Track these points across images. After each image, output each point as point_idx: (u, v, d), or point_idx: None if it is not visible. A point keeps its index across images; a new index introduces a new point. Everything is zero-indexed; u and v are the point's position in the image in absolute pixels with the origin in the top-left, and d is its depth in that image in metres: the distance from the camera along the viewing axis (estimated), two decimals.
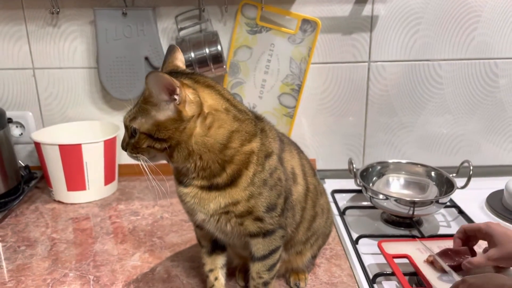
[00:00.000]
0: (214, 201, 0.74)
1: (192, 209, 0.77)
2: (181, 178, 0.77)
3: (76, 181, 1.29)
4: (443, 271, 0.92)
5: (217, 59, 1.29)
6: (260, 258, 0.80)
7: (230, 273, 0.95)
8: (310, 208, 0.88)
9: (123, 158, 1.47)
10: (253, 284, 0.82)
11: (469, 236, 0.94)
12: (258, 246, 0.79)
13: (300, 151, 0.91)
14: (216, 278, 0.86)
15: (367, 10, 1.34)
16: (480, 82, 1.41)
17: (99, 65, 1.34)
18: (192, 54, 1.28)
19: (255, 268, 0.81)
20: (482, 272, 0.87)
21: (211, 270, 0.87)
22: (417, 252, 1.00)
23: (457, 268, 0.90)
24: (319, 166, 1.49)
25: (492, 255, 0.86)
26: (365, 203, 1.28)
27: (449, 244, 1.00)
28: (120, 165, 1.45)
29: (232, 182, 0.73)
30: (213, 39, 1.28)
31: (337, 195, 1.35)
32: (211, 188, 0.74)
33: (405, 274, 0.92)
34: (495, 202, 1.27)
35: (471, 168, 1.20)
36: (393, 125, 1.45)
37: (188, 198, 0.76)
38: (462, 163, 1.25)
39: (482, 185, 1.35)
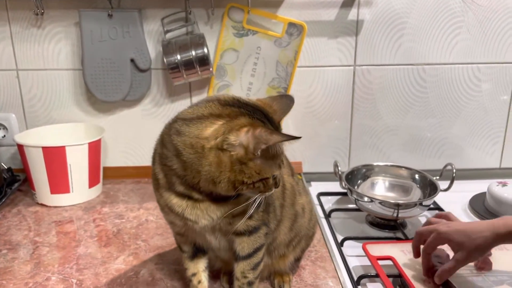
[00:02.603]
0: (223, 208, 0.74)
1: (193, 218, 0.75)
2: (184, 191, 0.74)
3: (59, 183, 1.27)
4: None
5: (204, 61, 1.29)
6: (245, 257, 0.80)
7: (215, 276, 0.95)
8: (289, 206, 0.88)
9: (108, 160, 1.47)
10: (237, 284, 0.82)
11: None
12: (243, 245, 0.80)
13: None
14: (199, 282, 0.86)
15: (352, 14, 1.35)
16: (463, 87, 1.43)
17: (84, 67, 1.33)
18: (178, 57, 1.28)
19: (240, 267, 0.81)
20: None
21: (193, 274, 0.86)
22: (401, 254, 1.01)
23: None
24: (305, 169, 1.50)
25: (460, 257, 0.86)
26: (350, 206, 1.29)
27: None
28: (105, 168, 1.44)
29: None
30: (200, 41, 1.28)
31: (322, 198, 1.35)
32: (223, 199, 0.74)
33: (389, 276, 0.93)
34: (478, 205, 1.29)
35: (454, 171, 1.22)
36: (378, 129, 1.47)
37: (194, 210, 0.74)
38: (445, 166, 1.27)
39: (465, 188, 1.36)
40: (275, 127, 0.74)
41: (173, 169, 0.72)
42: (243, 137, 0.67)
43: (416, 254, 0.96)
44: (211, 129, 0.69)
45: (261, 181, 0.70)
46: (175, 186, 0.74)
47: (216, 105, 0.72)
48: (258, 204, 0.74)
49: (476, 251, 0.85)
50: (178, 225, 0.80)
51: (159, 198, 0.78)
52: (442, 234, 0.88)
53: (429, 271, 0.93)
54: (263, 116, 0.72)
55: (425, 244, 0.92)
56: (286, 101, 0.79)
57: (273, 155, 0.70)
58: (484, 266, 0.95)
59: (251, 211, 0.74)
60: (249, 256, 0.80)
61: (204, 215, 0.74)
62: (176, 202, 0.74)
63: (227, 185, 0.69)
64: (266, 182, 0.71)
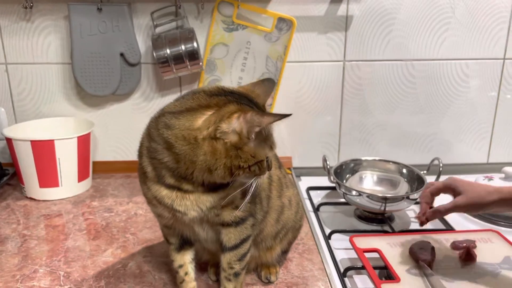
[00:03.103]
0: (212, 199, 0.75)
1: (182, 209, 0.75)
2: (174, 183, 0.74)
3: (48, 177, 1.27)
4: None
5: (193, 56, 1.29)
6: (231, 247, 0.81)
7: (202, 268, 0.96)
8: (275, 198, 0.89)
9: (98, 155, 1.47)
10: (224, 275, 0.83)
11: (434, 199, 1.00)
12: (230, 236, 0.80)
13: None
14: (186, 273, 0.86)
15: (342, 10, 1.36)
16: (452, 82, 1.44)
17: (73, 61, 1.33)
18: (168, 51, 1.28)
19: (226, 258, 0.82)
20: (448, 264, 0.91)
21: (180, 266, 0.87)
22: (388, 246, 1.02)
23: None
24: (295, 164, 1.51)
25: (459, 201, 0.89)
26: (339, 200, 1.30)
27: (418, 238, 1.03)
28: (94, 162, 1.44)
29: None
30: (189, 36, 1.28)
31: (312, 192, 1.36)
32: (215, 189, 0.75)
33: (375, 268, 0.94)
34: None
35: (441, 165, 1.23)
36: (368, 124, 1.48)
37: (184, 201, 0.75)
38: (433, 160, 1.28)
39: None
40: (261, 110, 0.75)
41: (164, 162, 0.73)
42: (235, 123, 0.68)
43: (422, 213, 0.98)
44: (201, 120, 0.70)
45: (257, 164, 0.72)
46: (165, 179, 0.74)
47: (203, 96, 0.72)
48: (254, 188, 0.75)
49: (477, 201, 0.87)
50: (166, 217, 0.80)
51: (146, 191, 0.78)
52: (452, 179, 0.93)
53: (423, 214, 0.97)
54: (249, 101, 0.73)
55: (432, 186, 0.98)
56: (267, 84, 0.81)
57: (265, 137, 0.72)
58: (469, 258, 0.96)
59: (249, 195, 0.75)
60: (235, 247, 0.81)
61: (194, 206, 0.75)
62: (166, 194, 0.75)
63: (223, 171, 0.70)
64: (261, 164, 0.72)
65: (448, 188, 0.95)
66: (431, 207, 0.99)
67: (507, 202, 0.85)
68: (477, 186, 0.90)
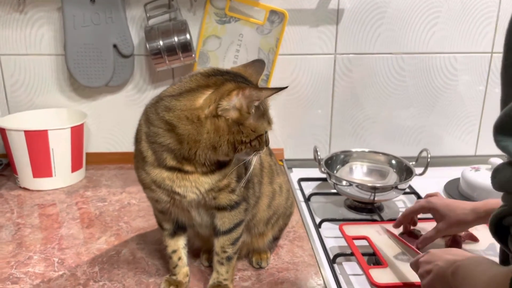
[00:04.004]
0: (211, 181, 0.77)
1: (182, 191, 0.77)
2: (175, 165, 0.76)
3: (42, 167, 1.28)
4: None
5: (186, 48, 1.30)
6: (225, 232, 0.84)
7: (194, 255, 0.98)
8: (267, 184, 0.92)
9: (91, 146, 1.48)
10: (217, 259, 0.85)
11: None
12: (224, 220, 0.83)
13: None
14: (179, 258, 0.88)
15: (333, 3, 1.38)
16: (441, 76, 1.47)
17: (67, 52, 1.34)
18: (161, 43, 1.29)
19: (220, 242, 0.84)
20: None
21: (174, 251, 0.88)
22: (376, 234, 1.05)
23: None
24: (287, 155, 1.53)
25: (441, 227, 0.95)
26: (329, 190, 1.32)
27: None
28: (87, 154, 1.45)
29: (229, 161, 0.78)
30: (182, 27, 1.30)
31: (303, 183, 1.38)
32: (213, 171, 0.77)
33: (363, 255, 0.97)
34: (452, 189, 1.33)
35: (429, 155, 1.26)
36: (359, 116, 1.50)
37: (184, 182, 0.77)
38: (421, 151, 1.31)
39: (440, 174, 1.41)
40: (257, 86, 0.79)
41: (165, 145, 0.75)
42: (234, 100, 0.71)
43: (397, 224, 1.04)
44: (202, 99, 0.73)
45: (257, 138, 0.75)
46: (166, 161, 0.76)
47: (201, 77, 0.75)
48: (252, 167, 0.79)
49: (456, 225, 0.93)
50: (164, 201, 0.81)
51: (145, 177, 0.80)
52: (430, 203, 0.97)
53: (400, 226, 1.04)
54: (244, 79, 0.77)
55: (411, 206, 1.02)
56: (258, 65, 0.84)
57: (263, 112, 0.76)
58: (455, 245, 0.99)
59: (250, 171, 0.79)
60: (229, 231, 0.83)
61: (193, 188, 0.77)
62: (167, 175, 0.77)
63: (227, 147, 0.73)
64: (260, 139, 0.76)
65: (428, 210, 0.99)
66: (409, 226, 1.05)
67: (484, 220, 0.90)
68: (456, 209, 0.93)
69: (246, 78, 0.78)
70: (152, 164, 0.77)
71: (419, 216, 1.06)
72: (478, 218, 0.91)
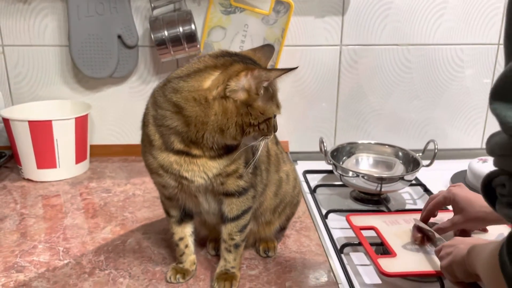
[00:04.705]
0: (219, 166, 0.77)
1: (189, 175, 0.76)
2: (183, 148, 0.75)
3: (46, 158, 1.27)
4: (420, 243, 0.95)
5: (191, 38, 1.29)
6: (233, 218, 0.83)
7: (201, 245, 0.97)
8: (273, 172, 0.91)
9: (95, 138, 1.47)
10: (224, 246, 0.84)
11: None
12: (232, 206, 0.82)
13: None
14: (186, 246, 0.88)
15: None
16: (447, 67, 1.46)
17: (71, 43, 1.33)
18: (166, 33, 1.28)
19: (227, 229, 0.83)
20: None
21: (181, 239, 0.88)
22: (384, 224, 1.04)
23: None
24: (292, 148, 1.52)
25: (457, 221, 0.92)
26: (335, 182, 1.31)
27: (414, 217, 1.04)
28: (91, 146, 1.44)
29: (237, 145, 0.77)
30: (187, 18, 1.29)
31: (308, 176, 1.37)
32: (221, 155, 0.76)
33: (371, 244, 0.95)
34: (459, 181, 1.31)
35: (436, 146, 1.25)
36: (364, 109, 1.49)
37: (191, 166, 0.76)
38: (428, 143, 1.29)
39: (447, 167, 1.40)
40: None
41: (173, 128, 0.74)
42: (243, 80, 0.70)
43: (425, 218, 1.00)
44: (210, 80, 0.72)
45: (265, 121, 0.74)
46: (174, 145, 0.75)
47: (209, 58, 0.75)
48: (259, 152, 0.78)
49: (473, 221, 0.90)
50: (171, 186, 0.80)
51: (152, 161, 0.79)
52: (451, 193, 0.93)
53: (426, 220, 0.99)
54: (253, 62, 0.76)
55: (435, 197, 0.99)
56: (267, 49, 0.84)
57: (272, 95, 0.74)
58: (464, 235, 0.98)
59: (257, 155, 0.78)
60: (237, 217, 0.83)
61: (200, 173, 0.76)
62: (175, 159, 0.76)
63: (235, 130, 0.72)
64: (269, 123, 0.75)
65: (449, 201, 0.95)
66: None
67: (504, 221, 0.86)
68: (475, 205, 0.89)
69: (255, 61, 0.77)
70: (159, 148, 0.77)
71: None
72: (498, 218, 0.85)
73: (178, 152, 0.76)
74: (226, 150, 0.77)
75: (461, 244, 0.72)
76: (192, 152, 0.75)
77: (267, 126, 0.75)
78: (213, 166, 0.76)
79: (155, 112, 0.76)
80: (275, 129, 0.79)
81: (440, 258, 0.77)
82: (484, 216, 0.88)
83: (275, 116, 0.77)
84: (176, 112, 0.73)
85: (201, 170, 0.76)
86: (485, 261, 0.60)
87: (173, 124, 0.74)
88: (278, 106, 0.77)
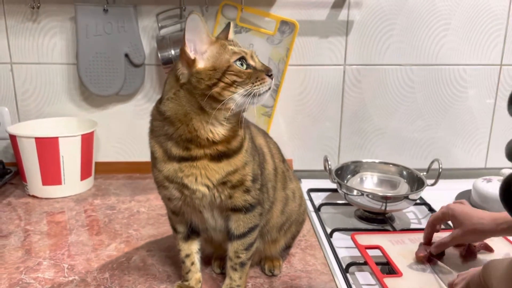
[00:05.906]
0: (220, 170, 0.78)
1: (189, 182, 0.78)
2: (182, 153, 0.78)
3: (51, 175, 1.28)
4: (424, 262, 0.96)
5: None
6: (239, 236, 0.83)
7: (206, 262, 0.96)
8: (280, 190, 0.92)
9: (100, 155, 1.48)
10: (230, 264, 0.84)
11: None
12: (239, 223, 0.82)
13: (266, 136, 0.98)
14: (192, 263, 0.87)
15: (343, 15, 1.39)
16: (450, 88, 1.47)
17: (79, 61, 1.35)
18: (172, 52, 1.30)
19: (233, 247, 0.83)
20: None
21: (187, 256, 0.87)
22: (389, 243, 1.03)
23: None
24: (296, 166, 1.52)
25: (456, 234, 0.93)
26: (339, 201, 1.31)
27: (419, 237, 1.04)
28: (96, 163, 1.45)
29: (239, 149, 0.79)
30: None
31: (312, 194, 1.37)
32: (221, 156, 0.77)
33: (377, 264, 0.95)
34: None
35: (441, 165, 1.25)
36: (367, 128, 1.50)
37: (192, 170, 0.77)
38: (432, 162, 1.29)
39: (451, 186, 1.39)
40: None
41: (166, 134, 0.78)
42: (182, 60, 0.76)
43: (427, 238, 1.00)
44: (173, 80, 0.79)
45: (226, 73, 0.73)
46: (172, 151, 0.78)
47: None
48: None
49: (471, 233, 0.90)
50: (176, 198, 0.81)
51: (157, 174, 0.81)
52: (450, 209, 0.95)
53: (429, 240, 0.99)
54: None
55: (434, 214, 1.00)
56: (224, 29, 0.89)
57: (218, 51, 0.76)
58: (470, 255, 0.98)
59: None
60: (243, 235, 0.83)
61: (203, 178, 0.77)
62: (179, 167, 0.78)
63: (209, 100, 0.74)
64: (232, 70, 0.74)
65: (449, 216, 0.97)
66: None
67: (504, 232, 0.88)
68: (472, 217, 0.91)
69: None
70: (162, 159, 0.79)
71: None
72: (497, 227, 0.87)
73: (180, 160, 0.78)
74: (227, 142, 0.78)
75: (474, 270, 0.74)
76: (192, 153, 0.77)
77: (235, 74, 0.74)
78: (216, 172, 0.77)
79: (151, 125, 0.82)
80: (259, 68, 0.78)
81: (455, 285, 0.78)
82: (481, 228, 0.89)
83: (242, 60, 0.75)
84: (164, 118, 0.78)
85: (203, 174, 0.77)
86: (501, 275, 0.61)
87: (164, 128, 0.78)
88: (233, 52, 0.76)
